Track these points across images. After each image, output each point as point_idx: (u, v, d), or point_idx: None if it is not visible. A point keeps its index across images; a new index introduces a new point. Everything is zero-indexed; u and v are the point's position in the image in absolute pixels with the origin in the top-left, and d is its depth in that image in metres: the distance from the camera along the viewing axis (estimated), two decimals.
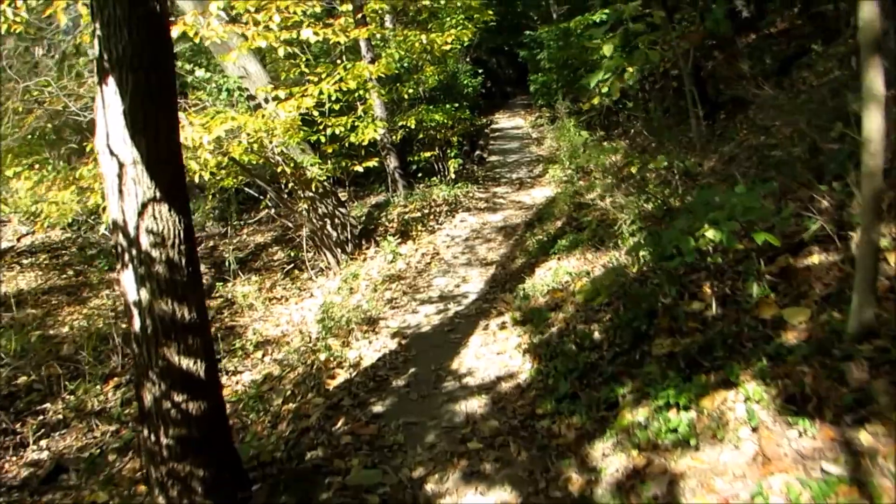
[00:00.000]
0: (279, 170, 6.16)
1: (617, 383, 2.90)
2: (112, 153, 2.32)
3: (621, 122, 8.35)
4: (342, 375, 4.14)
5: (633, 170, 5.99)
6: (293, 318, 5.99)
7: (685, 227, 2.76)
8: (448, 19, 9.47)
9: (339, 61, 6.64)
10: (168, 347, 2.37)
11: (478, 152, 15.83)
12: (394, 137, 8.89)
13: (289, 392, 3.99)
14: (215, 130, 4.90)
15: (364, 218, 8.54)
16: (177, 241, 2.38)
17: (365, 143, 6.50)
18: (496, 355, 4.04)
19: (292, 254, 7.50)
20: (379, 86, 8.42)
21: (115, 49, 2.24)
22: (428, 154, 9.21)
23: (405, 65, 8.90)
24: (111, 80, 2.27)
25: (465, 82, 16.27)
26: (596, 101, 6.24)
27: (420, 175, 9.71)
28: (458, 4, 8.58)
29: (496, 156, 13.92)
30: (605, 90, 5.32)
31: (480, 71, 17.82)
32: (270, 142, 5.78)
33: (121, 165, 2.31)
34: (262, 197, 6.90)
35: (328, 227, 7.14)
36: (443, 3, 8.04)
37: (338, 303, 5.48)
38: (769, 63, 7.64)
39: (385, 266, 6.45)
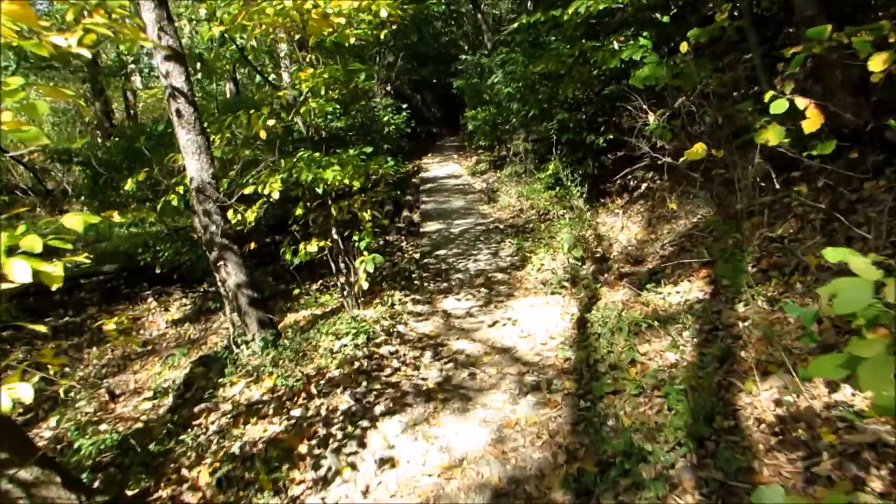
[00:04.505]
0: None
1: None
2: None
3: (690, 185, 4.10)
4: None
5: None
6: None
7: None
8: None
9: None
10: None
11: (406, 214, 11.27)
12: (234, 221, 4.17)
13: None
14: None
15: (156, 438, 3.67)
16: None
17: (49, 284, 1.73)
18: None
19: None
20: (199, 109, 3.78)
21: None
22: (315, 247, 4.55)
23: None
24: None
25: (387, 119, 11.99)
26: (774, 137, 1.93)
27: (297, 287, 5.04)
28: None
29: (434, 221, 9.46)
30: None
31: (405, 106, 13.60)
32: None
33: None
34: None
35: None
36: None
37: None
38: None
39: None
